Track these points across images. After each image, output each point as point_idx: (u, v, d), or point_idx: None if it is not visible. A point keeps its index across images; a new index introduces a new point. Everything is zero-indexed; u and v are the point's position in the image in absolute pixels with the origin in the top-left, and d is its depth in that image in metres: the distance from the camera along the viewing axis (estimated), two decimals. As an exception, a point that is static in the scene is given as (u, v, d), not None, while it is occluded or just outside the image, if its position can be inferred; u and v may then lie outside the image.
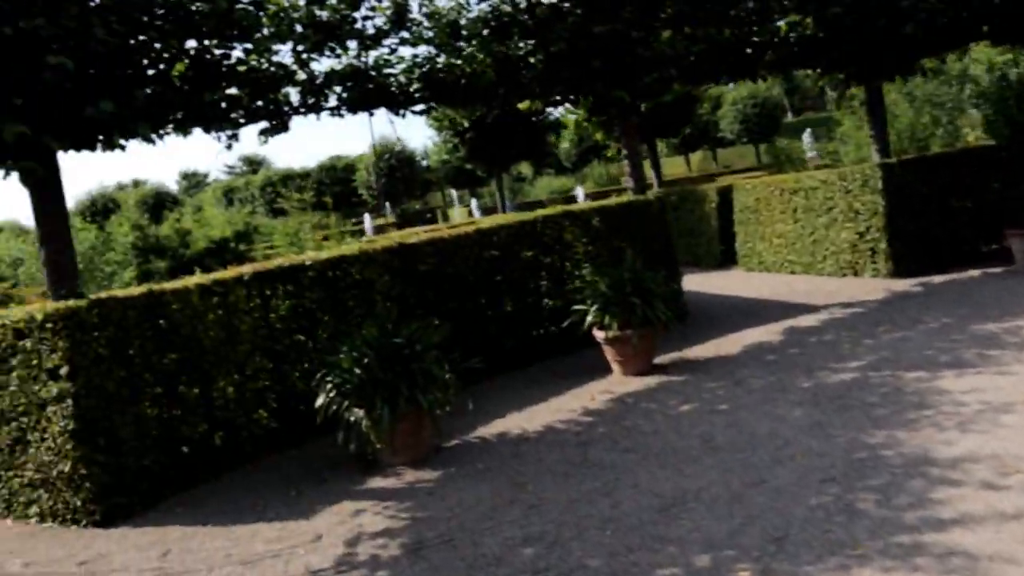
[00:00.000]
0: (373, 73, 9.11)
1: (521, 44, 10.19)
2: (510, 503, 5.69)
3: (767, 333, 9.72)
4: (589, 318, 8.62)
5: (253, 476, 7.22)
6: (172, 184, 72.94)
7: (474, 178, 42.09)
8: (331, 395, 6.72)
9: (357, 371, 6.53)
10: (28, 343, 6.62)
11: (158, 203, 53.98)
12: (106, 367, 6.69)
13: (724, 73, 12.13)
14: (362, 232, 28.77)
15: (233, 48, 7.94)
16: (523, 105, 11.25)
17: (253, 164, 78.99)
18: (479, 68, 9.70)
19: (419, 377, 6.52)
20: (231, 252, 14.90)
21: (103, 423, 6.63)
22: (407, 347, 6.61)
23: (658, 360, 8.95)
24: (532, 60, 10.22)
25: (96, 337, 6.62)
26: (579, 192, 34.22)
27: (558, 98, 11.12)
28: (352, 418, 6.57)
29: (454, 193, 39.09)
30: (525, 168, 47.85)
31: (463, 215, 35.45)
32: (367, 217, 32.73)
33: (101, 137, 7.00)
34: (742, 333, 9.93)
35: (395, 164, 42.20)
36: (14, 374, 6.78)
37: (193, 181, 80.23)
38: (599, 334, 8.65)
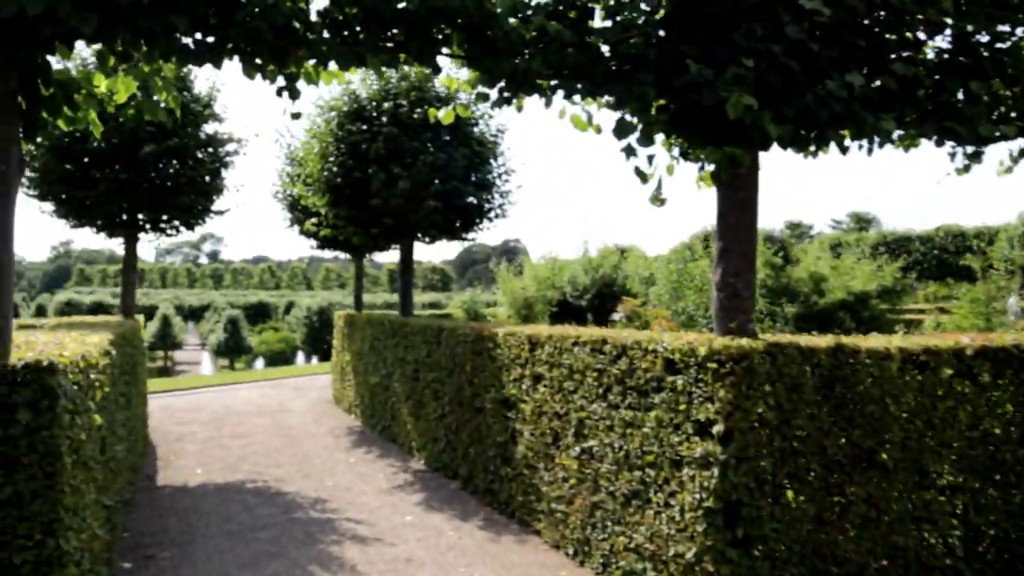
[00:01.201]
0: None
1: None
2: None
3: None
4: None
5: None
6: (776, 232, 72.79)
7: None
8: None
9: None
10: (679, 381, 5.12)
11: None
12: (767, 435, 4.91)
13: None
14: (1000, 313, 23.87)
15: (1003, 30, 5.61)
16: None
17: (862, 221, 75.14)
18: None
19: None
20: (870, 310, 12.62)
21: (749, 510, 4.86)
22: None
23: None
24: None
25: (765, 393, 4.87)
26: None
27: None
28: None
29: None
30: None
31: None
32: (1012, 301, 27.22)
33: (814, 133, 5.24)
34: None
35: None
36: (653, 413, 5.37)
37: (796, 232, 79.30)
38: None
